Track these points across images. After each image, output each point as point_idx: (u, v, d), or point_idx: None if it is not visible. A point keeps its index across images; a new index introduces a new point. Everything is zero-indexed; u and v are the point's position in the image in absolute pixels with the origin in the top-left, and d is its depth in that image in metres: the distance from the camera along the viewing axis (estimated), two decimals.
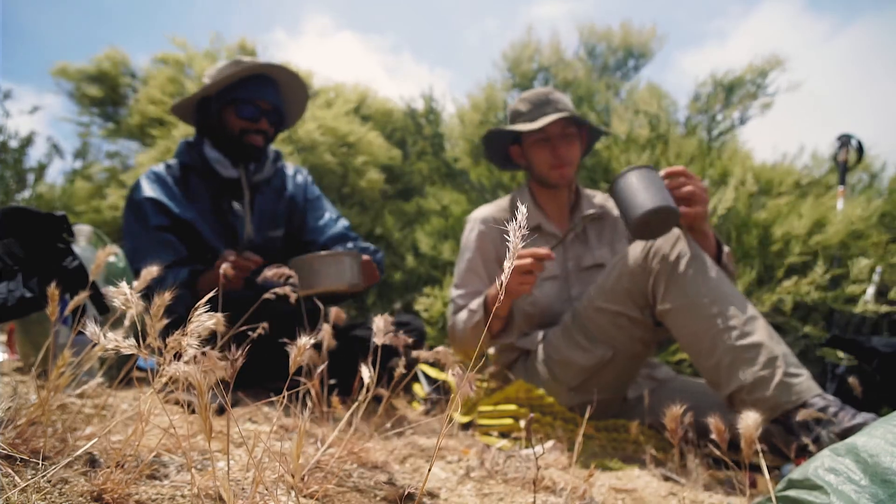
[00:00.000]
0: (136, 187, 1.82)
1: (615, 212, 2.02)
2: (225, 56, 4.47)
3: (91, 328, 0.59)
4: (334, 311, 1.17)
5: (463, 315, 1.87)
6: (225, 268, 1.19)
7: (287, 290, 1.11)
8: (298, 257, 1.45)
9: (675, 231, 1.54)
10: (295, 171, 2.08)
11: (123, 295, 0.68)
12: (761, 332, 1.37)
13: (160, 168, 1.88)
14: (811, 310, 2.51)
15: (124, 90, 4.54)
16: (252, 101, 1.84)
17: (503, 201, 2.06)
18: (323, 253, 1.47)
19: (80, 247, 1.39)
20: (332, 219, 2.04)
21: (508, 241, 0.53)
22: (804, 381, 1.33)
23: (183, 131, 3.68)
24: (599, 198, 2.07)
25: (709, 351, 1.41)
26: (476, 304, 1.82)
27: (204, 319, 0.63)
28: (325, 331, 1.07)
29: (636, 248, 1.59)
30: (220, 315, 0.65)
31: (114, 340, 0.59)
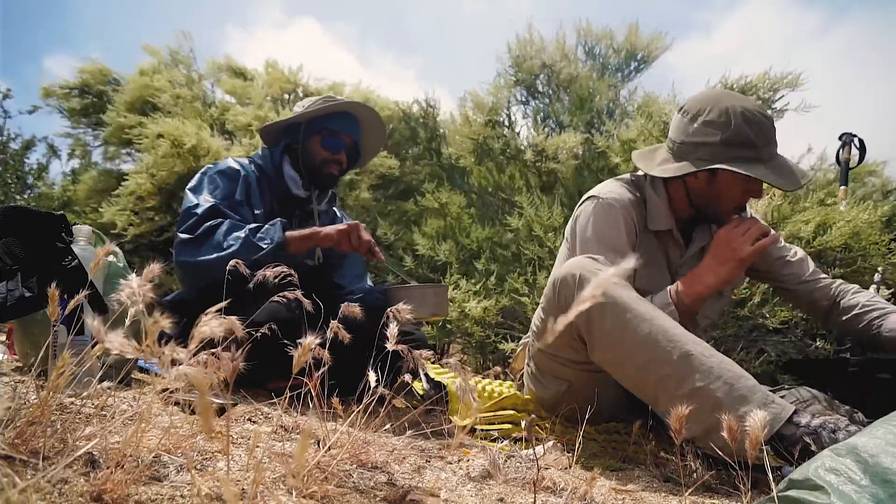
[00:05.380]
0: (223, 164, 1.93)
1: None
2: (196, 56, 4.63)
3: (91, 325, 0.58)
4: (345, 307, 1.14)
5: None
6: (232, 265, 1.15)
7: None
8: (402, 285, 1.70)
9: (577, 272, 1.40)
10: (341, 217, 2.21)
11: (130, 289, 0.67)
12: (697, 372, 1.28)
13: (244, 160, 1.99)
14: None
15: (110, 97, 4.56)
16: (337, 135, 2.01)
17: (629, 186, 1.72)
18: (428, 285, 1.73)
19: (80, 247, 1.39)
20: (363, 275, 2.19)
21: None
22: (756, 411, 1.18)
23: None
24: None
25: (653, 400, 1.36)
26: (659, 300, 1.56)
27: (213, 325, 0.62)
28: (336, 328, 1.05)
29: (548, 290, 1.50)
30: (232, 319, 0.64)
31: (116, 342, 0.58)
